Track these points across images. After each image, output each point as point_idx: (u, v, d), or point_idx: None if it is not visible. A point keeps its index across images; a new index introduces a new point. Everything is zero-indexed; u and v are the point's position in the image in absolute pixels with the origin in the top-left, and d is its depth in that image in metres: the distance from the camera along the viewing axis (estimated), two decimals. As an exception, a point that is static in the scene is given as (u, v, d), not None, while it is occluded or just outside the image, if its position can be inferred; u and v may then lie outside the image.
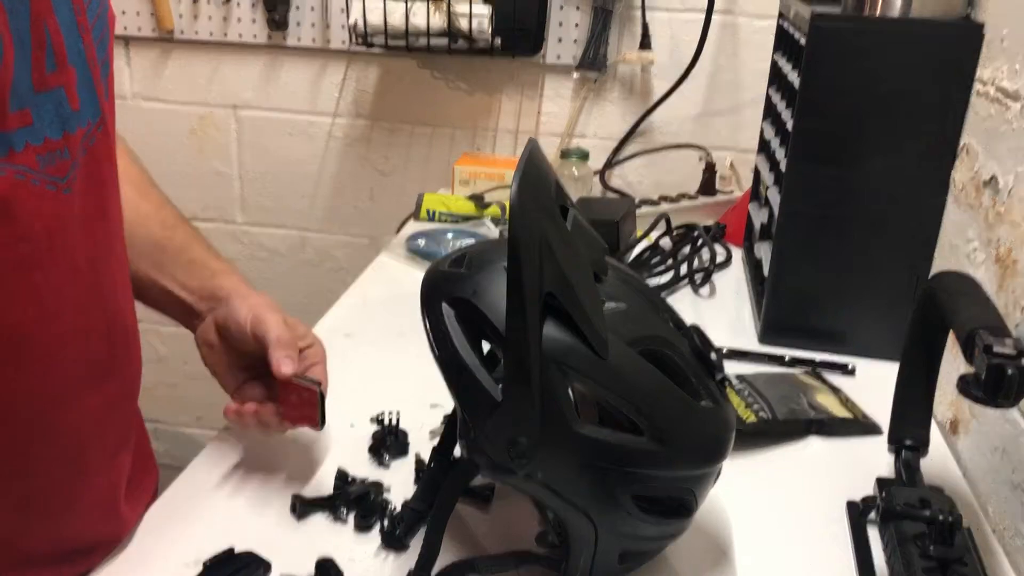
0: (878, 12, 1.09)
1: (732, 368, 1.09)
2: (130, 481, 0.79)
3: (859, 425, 0.98)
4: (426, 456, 0.86)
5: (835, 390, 1.05)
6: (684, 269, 1.36)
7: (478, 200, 1.57)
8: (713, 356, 0.69)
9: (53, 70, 0.62)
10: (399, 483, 0.85)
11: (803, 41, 1.11)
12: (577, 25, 1.69)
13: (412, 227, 1.54)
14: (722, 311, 1.29)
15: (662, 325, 0.69)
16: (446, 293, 0.65)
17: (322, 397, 0.80)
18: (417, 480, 0.85)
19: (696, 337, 0.70)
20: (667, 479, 0.66)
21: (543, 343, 0.60)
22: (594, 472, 0.63)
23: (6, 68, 0.57)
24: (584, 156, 1.62)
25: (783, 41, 1.35)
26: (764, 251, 1.25)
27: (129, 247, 0.77)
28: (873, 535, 0.81)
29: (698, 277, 1.36)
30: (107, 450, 0.75)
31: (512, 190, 0.58)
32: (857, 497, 0.85)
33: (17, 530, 0.70)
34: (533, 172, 0.61)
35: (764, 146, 1.40)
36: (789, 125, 1.15)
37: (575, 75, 1.71)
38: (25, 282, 0.62)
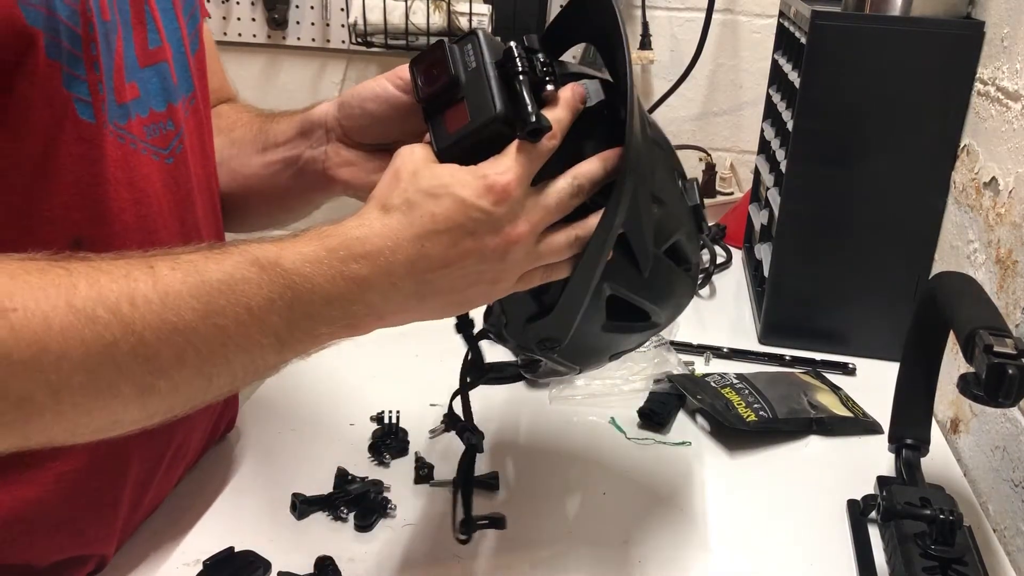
0: (879, 11, 1.09)
1: (732, 368, 1.09)
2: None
3: (860, 424, 0.98)
4: (426, 455, 0.86)
5: (835, 389, 1.05)
6: (684, 269, 1.36)
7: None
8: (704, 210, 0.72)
9: (158, 45, 0.67)
10: (399, 482, 0.84)
11: (803, 40, 1.11)
12: (577, 25, 1.68)
13: (412, 227, 1.54)
14: (722, 312, 1.29)
15: (683, 211, 0.70)
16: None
17: None
18: (417, 479, 0.85)
19: (696, 190, 0.72)
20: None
21: None
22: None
23: (119, 42, 0.62)
24: (584, 156, 1.61)
25: (783, 40, 1.35)
26: (764, 252, 1.25)
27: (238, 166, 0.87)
28: (874, 534, 0.81)
29: (698, 278, 1.35)
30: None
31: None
32: (858, 496, 0.85)
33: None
34: None
35: (764, 147, 1.40)
36: (789, 125, 1.15)
37: (575, 75, 1.71)
38: (148, 243, 0.65)
